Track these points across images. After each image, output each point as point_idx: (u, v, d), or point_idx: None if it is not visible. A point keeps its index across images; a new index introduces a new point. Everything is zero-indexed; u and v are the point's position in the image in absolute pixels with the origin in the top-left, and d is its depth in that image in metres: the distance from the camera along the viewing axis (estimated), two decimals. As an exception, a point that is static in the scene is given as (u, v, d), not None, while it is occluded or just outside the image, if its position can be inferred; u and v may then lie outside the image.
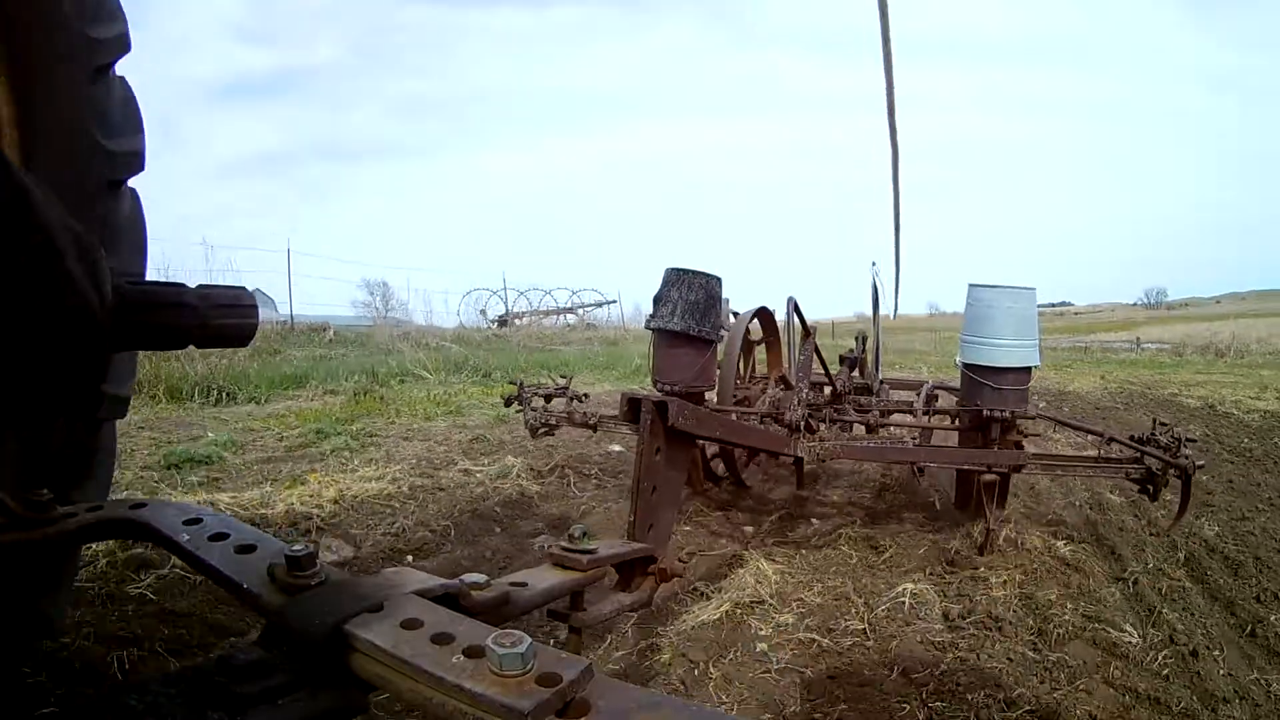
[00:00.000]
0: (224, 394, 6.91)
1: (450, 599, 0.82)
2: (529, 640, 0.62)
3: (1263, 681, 2.07)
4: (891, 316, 5.49)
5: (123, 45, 1.36)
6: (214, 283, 1.21)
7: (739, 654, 1.99)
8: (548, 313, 22.26)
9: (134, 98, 1.44)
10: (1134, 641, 2.13)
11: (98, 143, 1.30)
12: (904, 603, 2.31)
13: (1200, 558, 3.00)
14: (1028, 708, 1.70)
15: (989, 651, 1.98)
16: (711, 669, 1.89)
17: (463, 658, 0.64)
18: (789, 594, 2.40)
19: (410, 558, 2.73)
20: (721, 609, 2.21)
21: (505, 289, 21.12)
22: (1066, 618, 2.23)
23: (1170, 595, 2.57)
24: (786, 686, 1.84)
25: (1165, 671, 2.01)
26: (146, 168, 1.45)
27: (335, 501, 3.36)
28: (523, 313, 21.55)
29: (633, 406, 1.70)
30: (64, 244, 0.83)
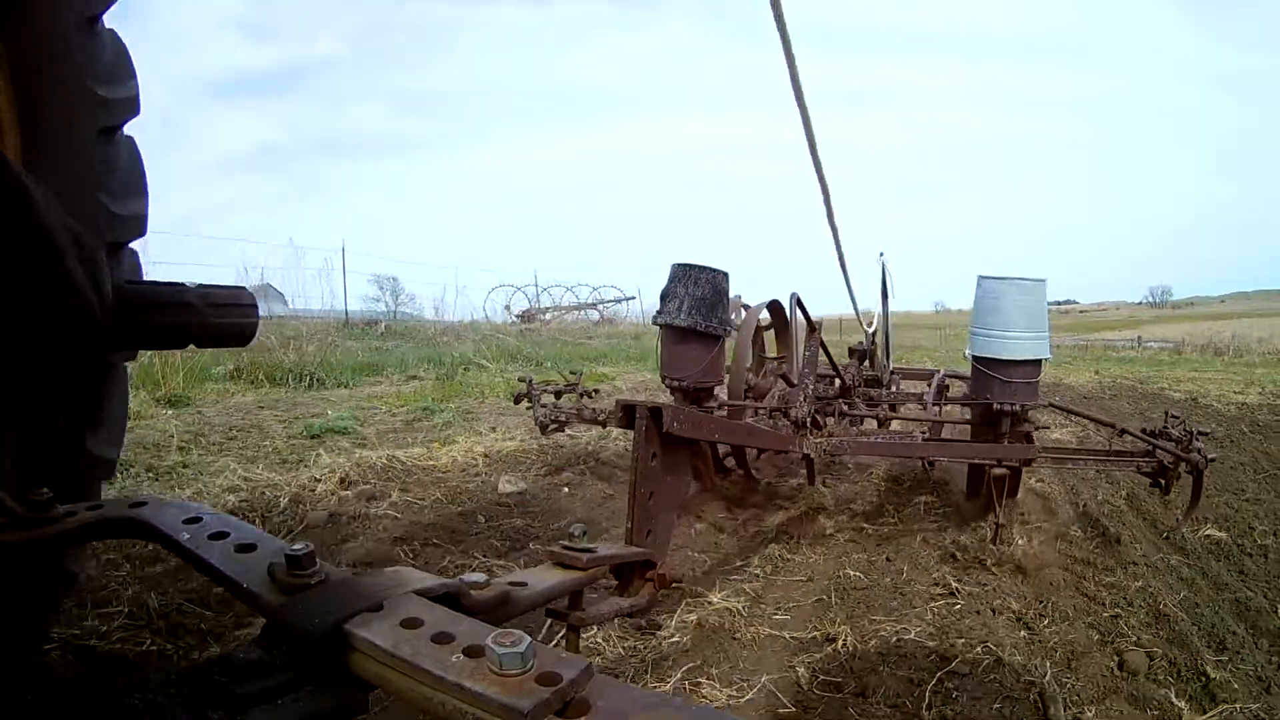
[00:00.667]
0: (315, 379, 7.82)
1: (450, 598, 0.83)
2: (529, 640, 0.63)
3: (1166, 559, 3.11)
4: (856, 316, 5.13)
5: (132, 107, 1.37)
6: (214, 283, 1.23)
7: (814, 534, 3.07)
8: (569, 308, 23.32)
9: (141, 161, 1.44)
10: (1078, 534, 3.19)
11: (101, 204, 1.29)
12: (920, 508, 3.40)
13: (1140, 496, 4.03)
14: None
15: (979, 531, 3.04)
16: (800, 541, 2.96)
17: (463, 657, 0.64)
18: (843, 503, 3.48)
19: (566, 489, 3.79)
20: (798, 510, 3.29)
21: (536, 285, 22.17)
22: (1033, 521, 3.29)
23: (1110, 514, 3.61)
24: (849, 548, 2.94)
25: (1095, 549, 3.06)
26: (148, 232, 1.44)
27: (485, 455, 4.40)
28: (546, 308, 22.61)
29: (627, 412, 1.67)
30: (64, 244, 0.84)
